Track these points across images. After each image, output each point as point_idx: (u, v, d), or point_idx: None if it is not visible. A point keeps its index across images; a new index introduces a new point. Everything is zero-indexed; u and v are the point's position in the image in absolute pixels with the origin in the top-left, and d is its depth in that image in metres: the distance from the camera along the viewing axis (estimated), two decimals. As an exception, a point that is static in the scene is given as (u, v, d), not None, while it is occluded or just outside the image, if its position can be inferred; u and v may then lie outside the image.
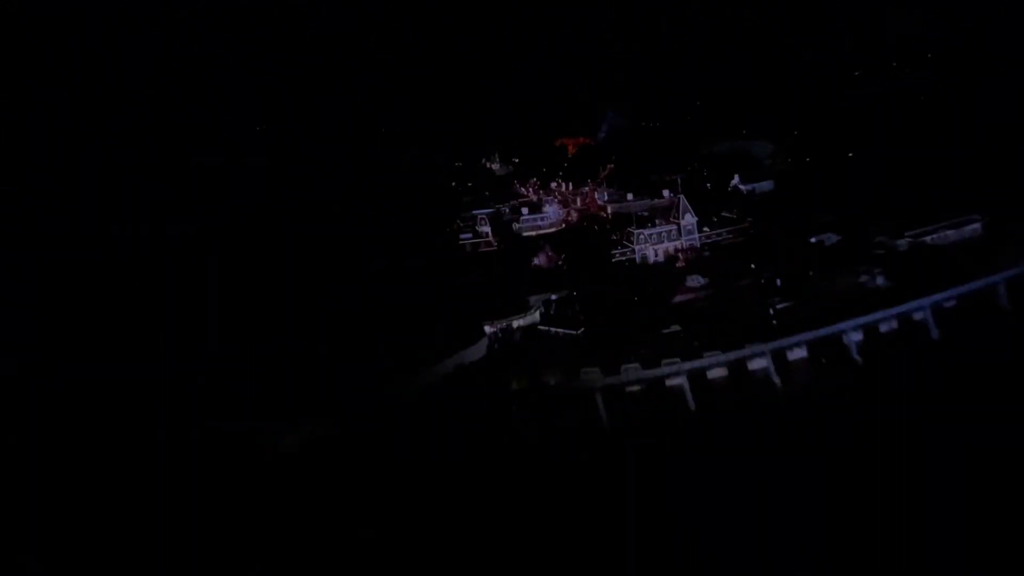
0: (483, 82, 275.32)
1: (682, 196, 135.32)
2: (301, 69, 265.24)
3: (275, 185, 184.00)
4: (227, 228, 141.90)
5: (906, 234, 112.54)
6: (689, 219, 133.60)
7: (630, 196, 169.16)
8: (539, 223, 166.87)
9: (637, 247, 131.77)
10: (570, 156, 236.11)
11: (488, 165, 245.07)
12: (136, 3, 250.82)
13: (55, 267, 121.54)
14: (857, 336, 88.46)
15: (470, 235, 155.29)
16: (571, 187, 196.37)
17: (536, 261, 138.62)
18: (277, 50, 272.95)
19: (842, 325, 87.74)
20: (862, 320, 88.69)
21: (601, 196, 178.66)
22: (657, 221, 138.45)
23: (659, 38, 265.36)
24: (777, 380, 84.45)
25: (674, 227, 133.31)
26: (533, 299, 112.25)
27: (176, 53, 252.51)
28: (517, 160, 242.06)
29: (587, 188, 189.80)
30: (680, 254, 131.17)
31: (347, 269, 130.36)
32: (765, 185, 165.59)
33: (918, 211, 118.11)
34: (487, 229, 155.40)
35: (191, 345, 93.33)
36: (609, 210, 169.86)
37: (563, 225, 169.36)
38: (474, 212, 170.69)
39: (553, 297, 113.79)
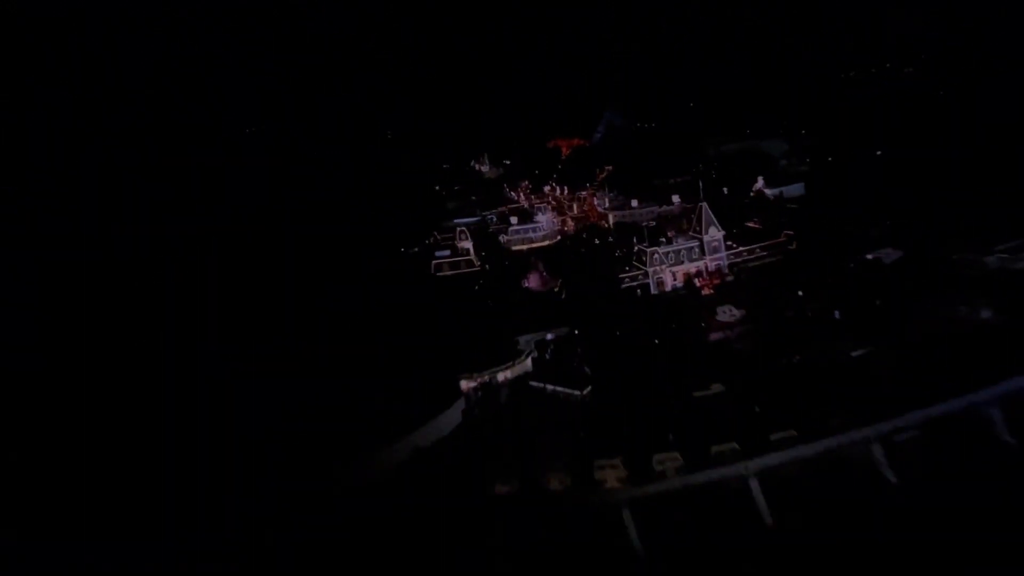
0: (474, 80, 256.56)
1: (705, 205, 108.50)
2: (301, 69, 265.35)
3: (275, 185, 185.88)
4: (227, 228, 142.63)
5: (996, 249, 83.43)
6: (714, 233, 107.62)
7: (634, 203, 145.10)
8: (531, 235, 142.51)
9: (651, 269, 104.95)
10: (564, 158, 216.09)
11: (477, 167, 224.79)
12: (136, 3, 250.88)
13: (55, 267, 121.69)
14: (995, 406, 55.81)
15: (448, 252, 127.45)
16: (566, 192, 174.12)
17: (527, 283, 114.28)
18: (277, 50, 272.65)
19: (980, 395, 55.79)
20: (1008, 385, 55.79)
21: (601, 202, 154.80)
22: (670, 234, 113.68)
23: (657, 36, 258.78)
24: (891, 475, 54.59)
25: (695, 243, 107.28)
26: (524, 340, 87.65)
27: (176, 53, 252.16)
28: (508, 162, 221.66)
29: (584, 193, 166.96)
30: (703, 278, 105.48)
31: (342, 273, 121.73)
32: (794, 189, 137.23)
33: (990, 219, 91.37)
34: (468, 245, 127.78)
35: (190, 346, 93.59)
36: (611, 219, 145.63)
37: (558, 237, 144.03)
38: (456, 221, 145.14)
39: (549, 336, 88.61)
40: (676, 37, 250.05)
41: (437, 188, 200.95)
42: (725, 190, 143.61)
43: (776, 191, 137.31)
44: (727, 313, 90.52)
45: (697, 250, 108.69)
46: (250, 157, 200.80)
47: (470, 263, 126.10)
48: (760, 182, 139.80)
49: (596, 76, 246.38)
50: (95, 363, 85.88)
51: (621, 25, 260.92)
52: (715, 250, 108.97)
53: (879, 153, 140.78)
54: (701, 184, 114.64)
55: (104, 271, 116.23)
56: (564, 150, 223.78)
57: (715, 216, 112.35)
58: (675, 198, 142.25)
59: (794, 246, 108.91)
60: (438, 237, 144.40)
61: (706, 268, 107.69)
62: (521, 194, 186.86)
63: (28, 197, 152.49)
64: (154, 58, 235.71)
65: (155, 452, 66.09)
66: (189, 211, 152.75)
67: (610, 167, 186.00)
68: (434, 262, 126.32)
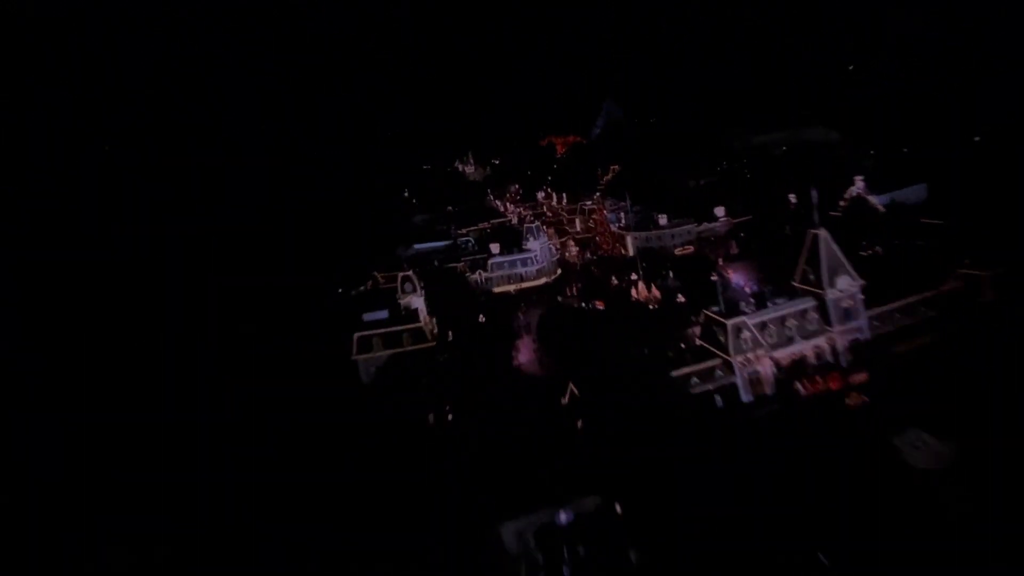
0: (464, 73, 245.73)
1: (824, 234, 62.65)
2: (301, 69, 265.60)
3: (275, 185, 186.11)
4: (227, 228, 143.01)
5: None
6: (848, 286, 61.81)
7: (662, 219, 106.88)
8: (519, 269, 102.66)
9: (738, 359, 58.97)
10: (560, 156, 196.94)
11: (460, 168, 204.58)
12: (136, 3, 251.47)
13: (55, 267, 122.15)
14: None
15: (384, 314, 78.27)
16: (565, 201, 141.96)
17: (518, 359, 75.57)
18: (277, 50, 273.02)
19: None
20: None
21: (614, 217, 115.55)
22: (727, 272, 73.87)
23: (657, 24, 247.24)
24: None
25: (810, 304, 62.26)
26: (511, 532, 44.44)
27: (176, 53, 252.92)
28: (497, 161, 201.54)
29: (590, 203, 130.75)
30: (810, 378, 58.82)
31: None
32: (911, 193, 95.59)
33: None
34: (419, 303, 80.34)
35: (191, 346, 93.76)
36: (630, 243, 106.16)
37: (557, 272, 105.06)
38: (416, 248, 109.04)
39: (562, 518, 43.83)
40: (678, 23, 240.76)
41: (406, 194, 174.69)
42: (793, 198, 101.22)
43: (884, 198, 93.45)
44: (923, 452, 43.29)
45: (814, 316, 62.24)
46: (250, 157, 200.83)
47: (419, 335, 74.96)
48: (860, 185, 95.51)
49: (593, 67, 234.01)
50: (95, 363, 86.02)
51: (619, 14, 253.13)
52: (849, 315, 62.74)
53: (976, 139, 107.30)
54: (815, 195, 63.79)
55: (104, 271, 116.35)
56: (559, 148, 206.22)
57: (789, 241, 69.93)
58: (719, 211, 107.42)
59: (989, 295, 62.20)
60: (380, 279, 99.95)
61: (832, 348, 62.14)
62: (508, 204, 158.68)
63: (28, 197, 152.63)
64: (154, 58, 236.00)
65: (154, 450, 66.21)
66: (189, 211, 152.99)
67: (615, 167, 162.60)
68: (358, 336, 74.87)
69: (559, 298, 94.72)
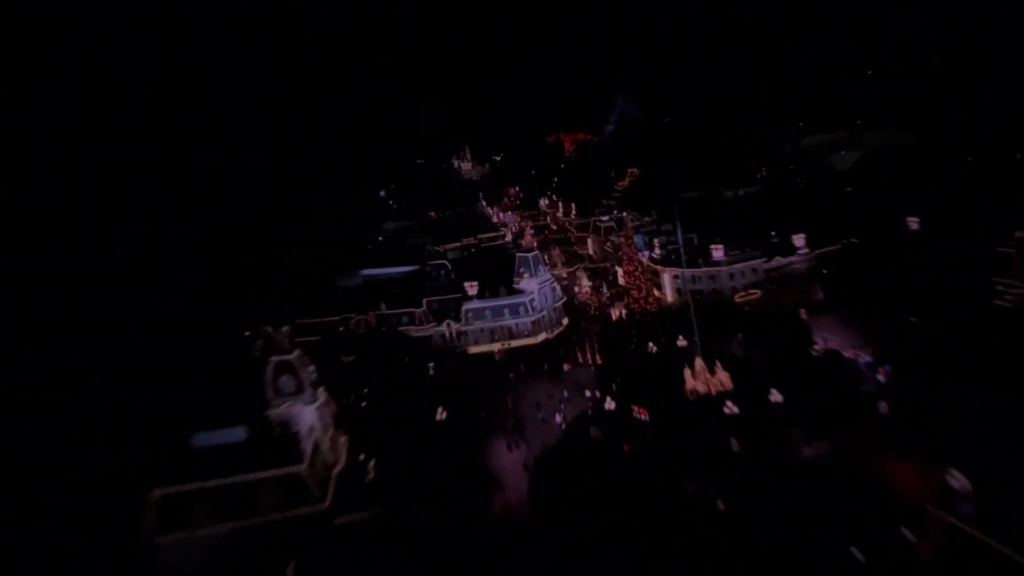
0: (463, 70, 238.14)
1: None
2: (301, 69, 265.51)
3: (275, 185, 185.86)
4: (227, 228, 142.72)
5: None
6: None
7: (718, 252, 74.91)
8: (507, 321, 70.70)
9: None
10: (567, 156, 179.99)
11: (457, 164, 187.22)
12: (136, 3, 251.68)
13: (55, 267, 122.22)
14: None
15: (241, 433, 39.76)
16: (574, 213, 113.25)
17: (496, 507, 42.34)
18: (277, 50, 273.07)
19: None
20: None
21: (643, 242, 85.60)
22: (867, 362, 49.61)
23: (669, 17, 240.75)
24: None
25: None
26: None
27: (176, 53, 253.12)
28: (498, 158, 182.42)
29: (606, 218, 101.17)
30: None
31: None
32: None
33: None
34: (307, 416, 41.34)
35: (191, 344, 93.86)
36: (668, 284, 76.55)
37: (562, 323, 74.39)
38: (365, 275, 78.81)
39: None
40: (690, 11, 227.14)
41: (382, 194, 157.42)
42: (917, 224, 72.24)
43: None
44: None
45: None
46: (250, 157, 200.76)
47: (297, 489, 37.79)
48: None
49: (603, 58, 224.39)
50: (94, 363, 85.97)
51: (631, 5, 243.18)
52: None
53: None
54: None
55: (104, 271, 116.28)
56: (567, 146, 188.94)
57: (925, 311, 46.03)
58: (798, 240, 75.70)
59: None
60: (275, 337, 47.35)
61: None
62: (506, 212, 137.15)
63: (28, 197, 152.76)
64: (154, 58, 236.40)
65: (152, 451, 66.00)
66: (189, 211, 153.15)
67: (633, 170, 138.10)
68: (160, 494, 39.57)
69: (566, 366, 64.21)
